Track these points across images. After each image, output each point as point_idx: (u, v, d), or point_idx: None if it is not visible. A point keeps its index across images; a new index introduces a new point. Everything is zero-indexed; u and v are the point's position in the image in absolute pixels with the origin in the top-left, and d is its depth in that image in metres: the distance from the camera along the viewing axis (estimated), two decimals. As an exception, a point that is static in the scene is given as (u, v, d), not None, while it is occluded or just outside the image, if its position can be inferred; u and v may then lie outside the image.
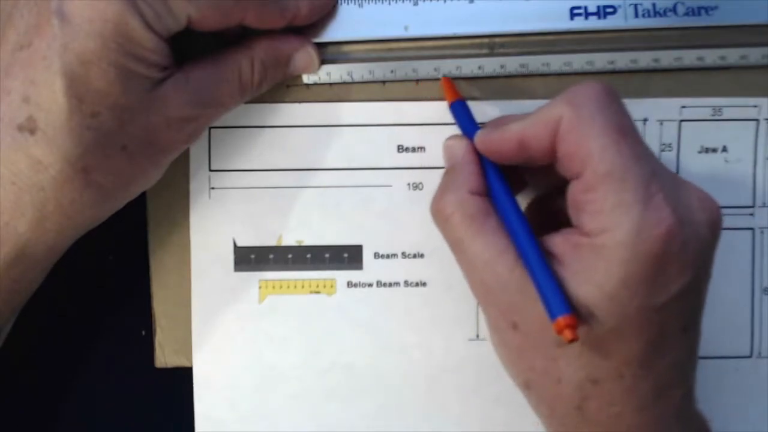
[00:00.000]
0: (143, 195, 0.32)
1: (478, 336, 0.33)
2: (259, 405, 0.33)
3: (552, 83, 0.32)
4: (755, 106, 0.33)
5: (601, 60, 0.32)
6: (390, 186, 0.33)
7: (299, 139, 0.33)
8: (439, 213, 0.28)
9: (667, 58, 0.32)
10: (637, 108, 0.33)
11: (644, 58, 0.32)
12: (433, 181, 0.33)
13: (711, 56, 0.32)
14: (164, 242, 0.33)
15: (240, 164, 0.33)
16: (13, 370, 0.33)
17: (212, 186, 0.33)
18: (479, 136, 0.29)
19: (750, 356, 0.33)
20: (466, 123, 0.30)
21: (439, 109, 0.33)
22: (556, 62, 0.32)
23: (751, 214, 0.33)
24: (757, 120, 0.33)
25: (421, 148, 0.33)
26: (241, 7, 0.27)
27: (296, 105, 0.33)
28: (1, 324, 0.30)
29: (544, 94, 0.32)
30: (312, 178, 0.33)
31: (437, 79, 0.32)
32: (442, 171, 0.32)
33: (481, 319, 0.33)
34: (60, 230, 0.27)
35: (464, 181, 0.28)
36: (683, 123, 0.33)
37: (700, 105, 0.33)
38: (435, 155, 0.33)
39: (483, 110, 0.33)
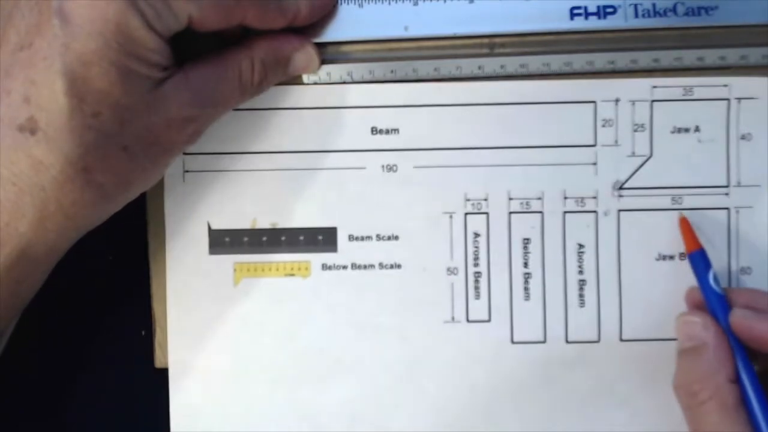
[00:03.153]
0: (143, 195, 0.32)
1: (453, 318, 0.33)
2: (235, 389, 0.33)
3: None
4: (725, 86, 0.32)
5: (601, 60, 0.32)
6: (364, 168, 0.33)
7: (272, 122, 0.33)
8: (692, 395, 0.28)
9: (667, 58, 0.32)
10: (608, 88, 0.33)
11: (644, 58, 0.32)
12: (407, 162, 0.33)
13: (711, 56, 0.32)
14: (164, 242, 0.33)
15: (214, 147, 0.33)
16: (13, 370, 0.33)
17: (186, 169, 0.33)
18: (739, 321, 0.29)
19: None
20: (704, 278, 0.31)
21: (413, 91, 0.33)
22: (556, 62, 0.32)
23: (726, 194, 0.33)
24: (727, 99, 0.33)
25: (395, 130, 0.33)
26: (241, 7, 0.27)
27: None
28: (2, 327, 0.30)
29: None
30: (286, 161, 0.33)
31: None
32: (415, 153, 0.33)
33: (456, 302, 0.33)
34: (61, 231, 0.27)
35: (720, 367, 0.28)
36: (655, 103, 0.33)
37: (671, 85, 0.32)
38: (409, 137, 0.33)
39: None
